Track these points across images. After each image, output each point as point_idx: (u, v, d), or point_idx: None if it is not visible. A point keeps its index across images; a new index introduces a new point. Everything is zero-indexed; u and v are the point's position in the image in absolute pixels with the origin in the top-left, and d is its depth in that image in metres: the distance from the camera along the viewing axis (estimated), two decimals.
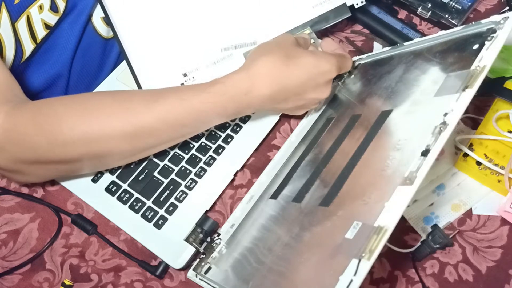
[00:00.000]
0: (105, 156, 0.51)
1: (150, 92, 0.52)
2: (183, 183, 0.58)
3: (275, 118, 0.63)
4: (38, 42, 0.60)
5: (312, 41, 0.61)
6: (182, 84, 0.62)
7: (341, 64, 0.55)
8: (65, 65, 0.65)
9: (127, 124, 0.49)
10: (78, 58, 0.67)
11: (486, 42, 0.46)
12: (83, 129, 0.48)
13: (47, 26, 0.60)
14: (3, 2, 0.55)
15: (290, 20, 0.63)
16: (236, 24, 0.62)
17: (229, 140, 0.61)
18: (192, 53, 0.61)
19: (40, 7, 0.58)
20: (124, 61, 0.68)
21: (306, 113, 0.62)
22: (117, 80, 0.66)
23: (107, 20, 0.44)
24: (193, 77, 0.61)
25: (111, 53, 0.72)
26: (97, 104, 0.50)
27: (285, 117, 0.64)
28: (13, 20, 0.56)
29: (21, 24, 0.58)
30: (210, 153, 0.60)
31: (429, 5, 0.69)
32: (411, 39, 0.65)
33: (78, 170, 0.54)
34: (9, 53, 0.57)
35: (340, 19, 0.64)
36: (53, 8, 0.60)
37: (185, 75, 0.59)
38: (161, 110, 0.49)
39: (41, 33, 0.60)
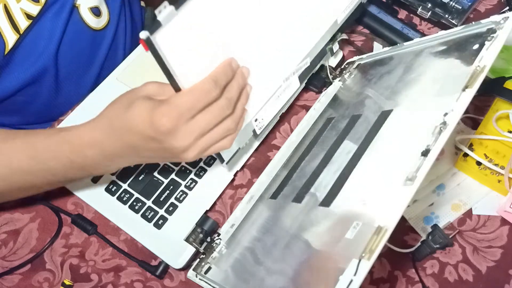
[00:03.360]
0: None
1: (5, 132, 0.50)
2: (183, 183, 0.58)
3: (275, 118, 0.63)
4: (21, 32, 0.60)
5: (306, 64, 0.57)
6: (254, 130, 0.55)
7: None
8: (51, 57, 0.64)
9: None
10: (65, 50, 0.66)
11: (486, 42, 0.46)
12: None
13: (28, 16, 0.60)
14: None
15: (325, 25, 0.59)
16: (290, 50, 0.55)
17: None
18: (255, 95, 0.52)
19: None
20: (124, 61, 0.68)
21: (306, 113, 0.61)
22: (117, 80, 0.66)
23: (167, 75, 0.43)
24: (262, 119, 0.55)
25: (101, 44, 0.71)
26: None
27: (285, 117, 0.64)
28: None
29: None
30: None
31: (429, 5, 0.69)
32: (411, 39, 0.65)
33: None
34: None
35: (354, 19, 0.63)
36: None
37: (256, 120, 0.54)
38: (4, 153, 0.47)
39: (23, 23, 0.60)
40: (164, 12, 0.36)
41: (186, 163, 0.59)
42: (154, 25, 0.36)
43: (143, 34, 0.36)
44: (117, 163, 0.48)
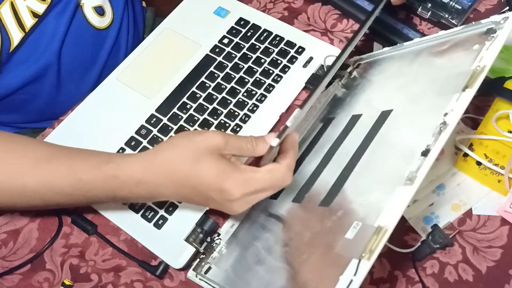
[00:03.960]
0: None
1: (49, 149, 0.49)
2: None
3: (275, 118, 0.63)
4: (27, 30, 0.60)
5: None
6: None
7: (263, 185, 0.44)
8: (54, 54, 0.64)
9: (9, 180, 0.47)
10: (68, 48, 0.66)
11: (486, 42, 0.46)
12: None
13: (34, 14, 0.60)
14: None
15: None
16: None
17: None
18: None
19: None
20: (124, 61, 0.68)
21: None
22: (117, 80, 0.66)
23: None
24: None
25: (104, 44, 0.71)
26: None
27: (285, 117, 0.64)
28: None
29: (5, 10, 0.57)
30: None
31: (429, 5, 0.69)
32: (411, 39, 0.65)
33: None
34: None
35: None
36: None
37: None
38: (48, 175, 0.47)
39: (29, 21, 0.60)
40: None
41: None
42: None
43: (274, 142, 0.42)
44: (159, 199, 0.49)
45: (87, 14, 0.67)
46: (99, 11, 0.68)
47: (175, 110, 0.63)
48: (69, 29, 0.65)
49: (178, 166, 0.44)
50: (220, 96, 0.64)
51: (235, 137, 0.45)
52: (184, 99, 0.64)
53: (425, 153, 0.41)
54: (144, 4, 0.84)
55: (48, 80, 0.67)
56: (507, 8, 0.72)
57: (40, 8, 0.60)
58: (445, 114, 0.43)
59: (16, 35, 0.59)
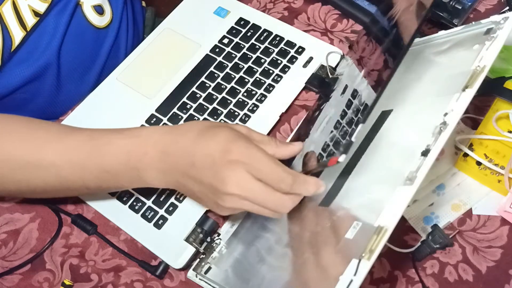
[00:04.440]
0: None
1: (69, 126, 0.51)
2: None
3: (275, 118, 0.63)
4: (28, 30, 0.60)
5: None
6: None
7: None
8: (54, 53, 0.64)
9: (29, 154, 0.48)
10: (68, 47, 0.66)
11: (486, 42, 0.46)
12: None
13: (36, 13, 0.60)
14: None
15: None
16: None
17: None
18: None
19: None
20: (125, 61, 0.68)
21: None
22: (117, 80, 0.66)
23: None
24: None
25: (103, 43, 0.71)
26: (7, 128, 0.50)
27: (285, 117, 0.64)
28: None
29: (7, 9, 0.58)
30: None
31: None
32: None
33: None
34: None
35: None
36: None
37: None
38: (69, 145, 0.48)
39: (30, 20, 0.60)
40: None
41: None
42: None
43: (342, 158, 0.41)
44: (157, 178, 0.47)
45: (87, 13, 0.67)
46: (99, 10, 0.68)
47: (175, 110, 0.63)
48: (69, 28, 0.65)
49: (197, 126, 0.45)
50: (220, 96, 0.64)
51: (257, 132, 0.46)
52: (184, 99, 0.64)
53: (425, 153, 0.41)
54: (144, 3, 0.84)
55: (48, 79, 0.67)
56: (507, 8, 0.72)
57: (42, 7, 0.60)
58: (445, 114, 0.43)
59: (17, 34, 0.60)
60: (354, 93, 0.49)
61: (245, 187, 0.42)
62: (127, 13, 0.74)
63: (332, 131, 0.48)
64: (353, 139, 0.41)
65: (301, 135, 0.55)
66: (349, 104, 0.48)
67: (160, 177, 0.46)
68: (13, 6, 0.58)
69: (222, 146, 0.42)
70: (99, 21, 0.69)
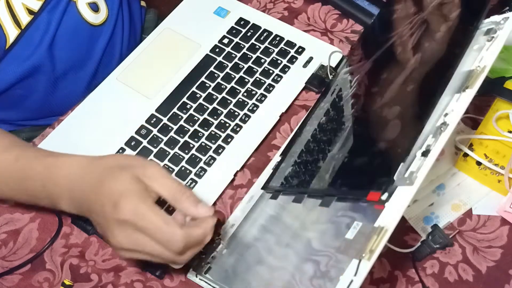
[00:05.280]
0: None
1: (6, 141, 0.52)
2: (183, 183, 0.58)
3: (275, 118, 0.63)
4: (22, 28, 0.60)
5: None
6: None
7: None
8: (48, 49, 0.65)
9: None
10: (62, 43, 0.66)
11: (486, 42, 0.46)
12: None
13: (30, 11, 0.60)
14: None
15: None
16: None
17: (229, 140, 0.61)
18: None
19: None
20: (124, 61, 0.68)
21: None
22: (117, 80, 0.66)
23: None
24: None
25: (98, 40, 0.71)
26: None
27: (285, 117, 0.64)
28: None
29: (0, 7, 0.58)
30: (210, 153, 0.60)
31: None
32: None
33: None
34: None
35: None
36: None
37: None
38: None
39: (24, 18, 0.60)
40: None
41: (186, 162, 0.59)
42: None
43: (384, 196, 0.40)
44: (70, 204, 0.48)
45: (81, 9, 0.67)
46: (93, 7, 0.68)
47: (175, 110, 0.63)
48: (63, 24, 0.65)
49: (105, 168, 0.46)
50: (220, 96, 0.64)
51: (171, 177, 0.45)
52: (184, 99, 0.64)
53: (425, 153, 0.41)
54: (143, 3, 0.84)
55: (43, 75, 0.67)
56: (507, 8, 0.72)
57: (36, 5, 0.61)
58: (445, 114, 0.43)
59: (12, 32, 0.60)
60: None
61: (132, 242, 0.43)
62: (123, 11, 0.75)
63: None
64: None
65: None
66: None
67: (72, 206, 0.48)
68: (6, 4, 0.58)
69: (113, 201, 0.42)
70: (94, 18, 0.69)
